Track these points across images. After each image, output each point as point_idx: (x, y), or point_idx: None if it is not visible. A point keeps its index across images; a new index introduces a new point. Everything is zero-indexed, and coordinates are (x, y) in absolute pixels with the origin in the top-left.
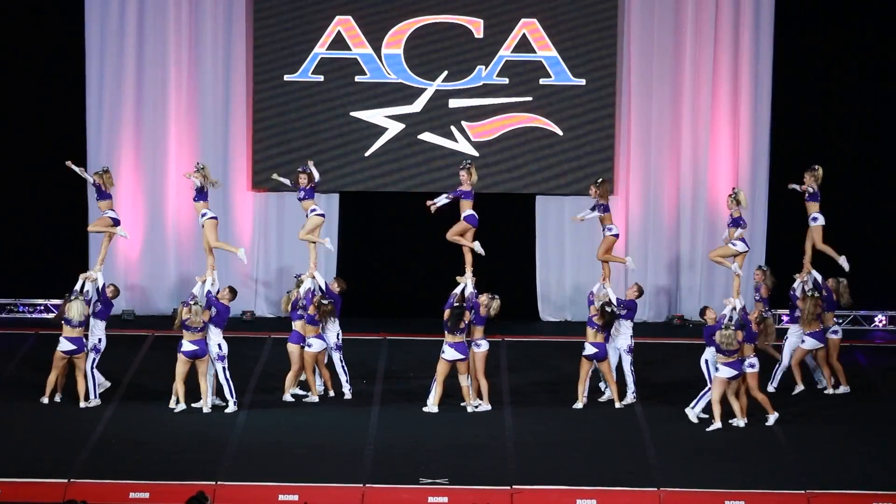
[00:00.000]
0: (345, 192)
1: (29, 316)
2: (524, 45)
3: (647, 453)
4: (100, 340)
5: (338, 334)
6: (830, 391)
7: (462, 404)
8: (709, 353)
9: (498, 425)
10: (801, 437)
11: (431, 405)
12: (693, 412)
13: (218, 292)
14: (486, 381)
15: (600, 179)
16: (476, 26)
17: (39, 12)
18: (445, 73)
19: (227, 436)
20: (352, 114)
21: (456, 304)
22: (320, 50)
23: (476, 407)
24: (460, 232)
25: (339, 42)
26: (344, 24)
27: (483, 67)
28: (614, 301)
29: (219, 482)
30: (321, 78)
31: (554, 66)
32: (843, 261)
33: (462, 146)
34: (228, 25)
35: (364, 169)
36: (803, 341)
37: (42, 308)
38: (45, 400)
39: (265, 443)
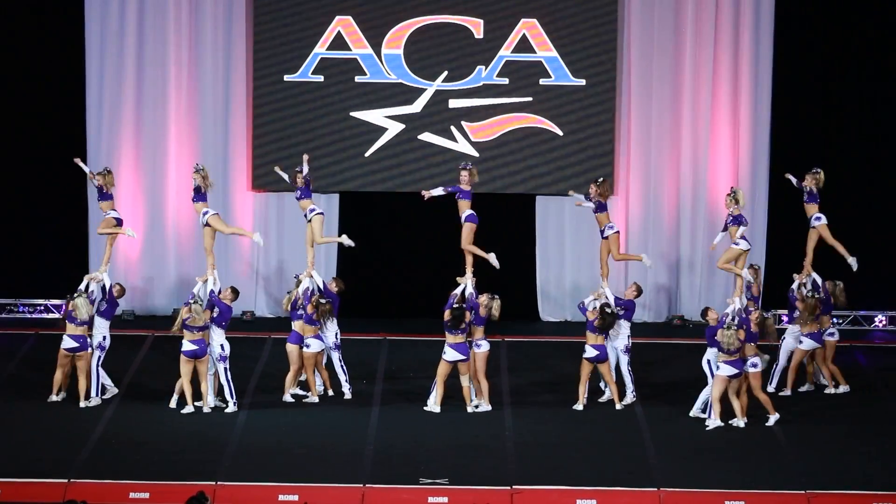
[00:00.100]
0: (345, 192)
1: (29, 316)
2: (524, 45)
3: (647, 453)
4: (104, 338)
5: (336, 334)
6: (832, 391)
7: (471, 407)
8: (710, 354)
9: (498, 425)
10: (801, 437)
11: (433, 405)
12: (695, 410)
13: (220, 292)
14: (487, 382)
15: (601, 179)
16: (476, 26)
17: (39, 12)
18: (445, 73)
19: (227, 436)
20: (352, 114)
21: (456, 305)
22: (320, 50)
23: (476, 407)
24: (471, 238)
25: (339, 42)
26: (344, 24)
27: (483, 67)
28: (612, 301)
29: (219, 482)
30: (321, 78)
31: (554, 66)
32: (852, 261)
33: (462, 146)
34: (228, 25)
35: (364, 169)
36: (801, 342)
37: (42, 308)
38: (55, 398)
39: (265, 443)
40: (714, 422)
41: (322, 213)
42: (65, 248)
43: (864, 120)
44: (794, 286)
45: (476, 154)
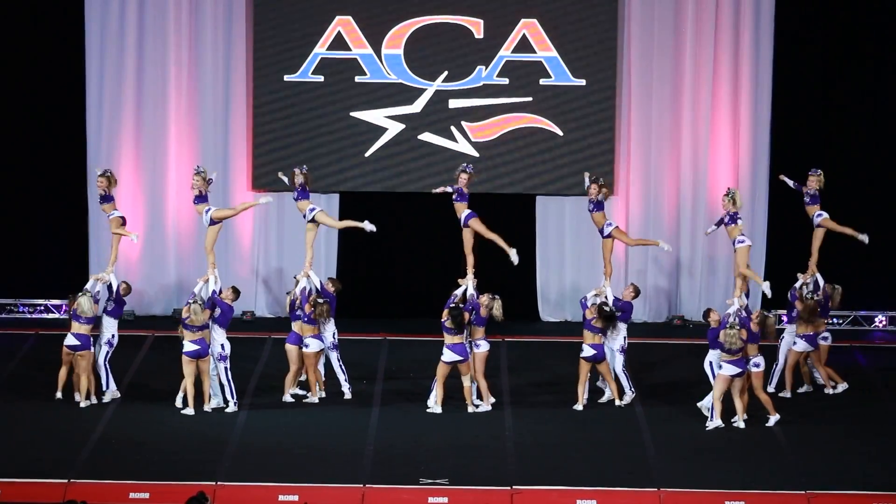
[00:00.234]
0: (345, 192)
1: (29, 316)
2: (524, 45)
3: (647, 453)
4: (113, 336)
5: (334, 334)
6: (831, 391)
7: (477, 407)
8: (712, 356)
9: (498, 426)
10: (801, 437)
11: (434, 405)
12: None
13: (221, 291)
14: (485, 382)
15: (601, 179)
16: (476, 26)
17: (39, 12)
18: (445, 73)
19: (227, 436)
20: (352, 114)
21: (453, 305)
22: (320, 50)
23: (476, 407)
24: (472, 242)
25: (339, 42)
26: (344, 25)
27: (483, 68)
28: (611, 300)
29: (219, 482)
30: (321, 78)
31: (554, 66)
32: (864, 237)
33: (462, 146)
34: (228, 25)
35: (364, 169)
36: (795, 343)
37: (42, 308)
38: (60, 395)
39: (265, 443)
40: (715, 422)
41: (323, 210)
42: (65, 248)
43: (864, 120)
44: (797, 285)
45: (476, 154)
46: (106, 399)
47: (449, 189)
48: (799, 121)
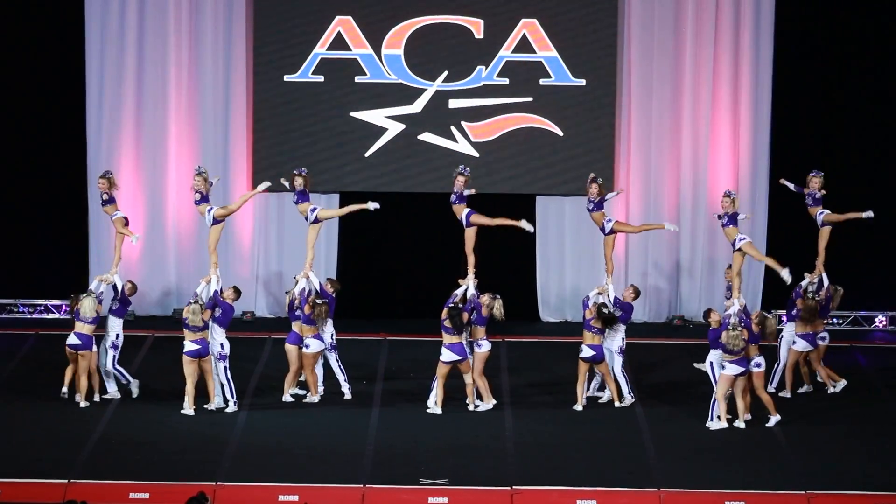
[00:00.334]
0: (345, 193)
1: (29, 316)
2: (524, 45)
3: (647, 453)
4: (117, 336)
5: (332, 335)
6: (832, 390)
7: (477, 406)
8: (714, 356)
9: (498, 426)
10: (801, 437)
11: (434, 406)
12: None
13: (222, 291)
14: (486, 382)
15: (600, 179)
16: (476, 26)
17: (39, 12)
18: (445, 73)
19: (227, 436)
20: (352, 114)
21: (452, 305)
22: (320, 50)
23: (476, 407)
24: (485, 222)
25: (339, 42)
26: (344, 25)
27: (483, 68)
28: (611, 298)
29: (219, 482)
30: (321, 78)
31: (554, 66)
32: (868, 213)
33: (462, 146)
34: (228, 25)
35: (364, 169)
36: (794, 342)
37: (42, 308)
38: (65, 390)
39: (265, 443)
40: (719, 423)
41: (323, 208)
42: (65, 248)
43: (865, 120)
44: (804, 283)
45: (476, 154)
46: (134, 394)
47: (474, 191)
48: (799, 121)
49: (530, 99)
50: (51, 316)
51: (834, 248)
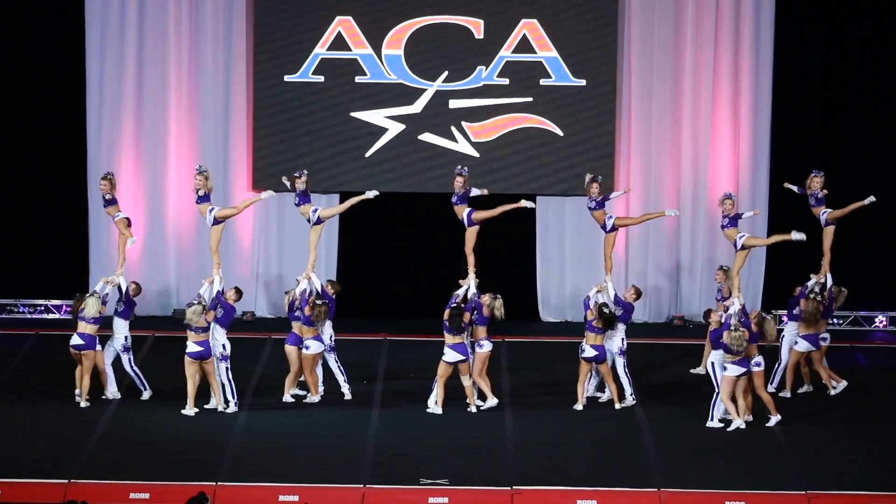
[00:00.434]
0: (345, 193)
1: (29, 316)
2: (524, 45)
3: (647, 454)
4: (126, 338)
5: (331, 336)
6: (832, 391)
7: (468, 407)
8: (715, 356)
9: (498, 426)
10: (801, 437)
11: (435, 406)
12: (714, 423)
13: (224, 292)
14: (486, 380)
15: (600, 177)
16: (476, 26)
17: (39, 12)
18: (446, 73)
19: (227, 436)
20: (352, 114)
21: (454, 305)
22: (320, 50)
23: (479, 407)
24: (488, 215)
25: (339, 42)
26: (344, 25)
27: (483, 68)
28: (612, 297)
29: (219, 482)
30: (321, 78)
31: (554, 66)
32: (869, 199)
33: (462, 147)
34: (228, 25)
35: (364, 169)
36: (796, 342)
37: (42, 308)
38: (78, 391)
39: (265, 443)
40: (738, 421)
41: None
42: (65, 248)
43: (864, 120)
44: (810, 284)
45: (476, 154)
46: (144, 397)
47: (486, 191)
48: (799, 121)
49: (530, 99)
50: (51, 316)
51: (834, 247)
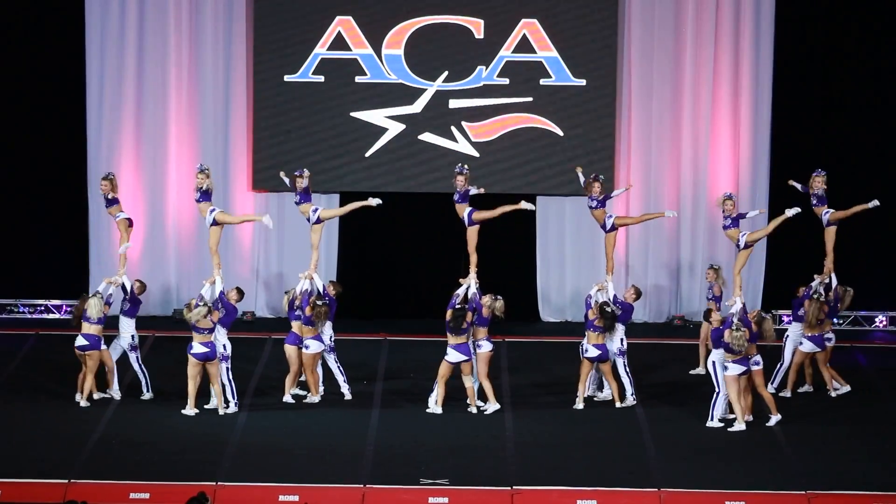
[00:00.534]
0: (345, 193)
1: (29, 316)
2: (524, 45)
3: (648, 454)
4: (133, 337)
5: (330, 337)
6: (833, 394)
7: (469, 407)
8: (716, 355)
9: (498, 426)
10: (801, 437)
11: (434, 406)
12: (714, 423)
13: (226, 293)
14: (490, 383)
15: (602, 177)
16: (476, 26)
17: (40, 13)
18: (446, 73)
19: (227, 436)
20: (352, 114)
21: (458, 305)
22: (320, 50)
23: (479, 408)
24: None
25: (339, 42)
26: (344, 25)
27: (483, 68)
28: (611, 297)
29: (219, 482)
30: (321, 78)
31: (554, 66)
32: (873, 203)
33: (462, 147)
34: (228, 25)
35: (364, 169)
36: (801, 343)
37: (42, 308)
38: (101, 393)
39: (265, 443)
40: (739, 424)
41: (325, 209)
42: (65, 248)
43: (864, 120)
44: (814, 284)
45: (476, 154)
46: (145, 397)
47: (482, 189)
48: (799, 121)
49: (530, 99)
50: (51, 316)
51: (835, 247)
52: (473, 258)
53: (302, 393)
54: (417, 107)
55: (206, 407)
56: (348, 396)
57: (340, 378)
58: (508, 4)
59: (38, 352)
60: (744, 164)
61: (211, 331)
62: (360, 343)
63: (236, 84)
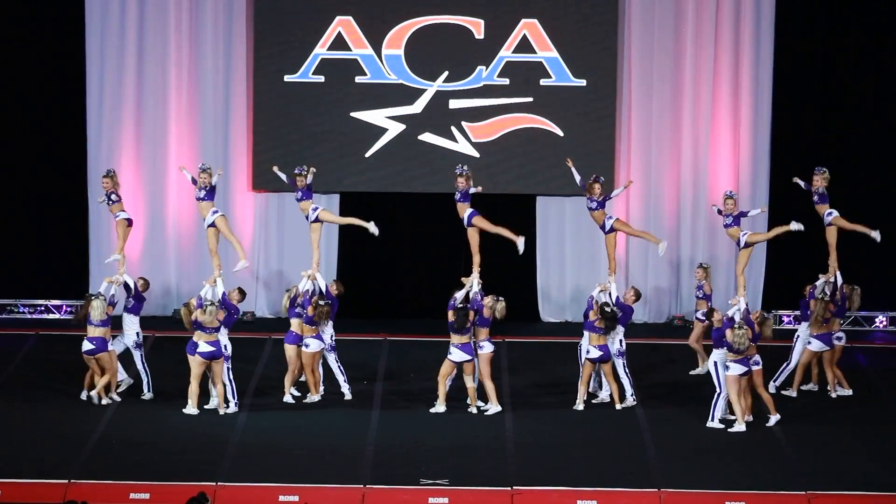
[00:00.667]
0: (345, 193)
1: (29, 316)
2: (525, 45)
3: (648, 454)
4: (138, 335)
5: (331, 336)
6: (834, 395)
7: (469, 407)
8: (717, 355)
9: (498, 426)
10: (801, 437)
11: (438, 405)
12: (714, 423)
13: (227, 293)
14: (492, 384)
15: (602, 178)
16: (476, 27)
17: (40, 13)
18: (446, 73)
19: (227, 436)
20: (352, 114)
21: (460, 305)
22: (321, 50)
23: (479, 408)
24: (486, 227)
25: (339, 42)
26: (344, 25)
27: (483, 68)
28: (613, 298)
29: (219, 483)
30: (322, 78)
31: (554, 66)
32: (876, 234)
33: (462, 147)
34: (228, 25)
35: (364, 169)
36: (809, 342)
37: (42, 308)
38: (93, 394)
39: (265, 443)
40: (739, 424)
41: (325, 209)
42: (65, 248)
43: (864, 120)
44: (819, 284)
45: (476, 154)
46: (145, 397)
47: (480, 189)
48: (799, 121)
49: (530, 99)
50: (51, 316)
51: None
52: (476, 259)
53: (298, 395)
54: (417, 107)
55: (206, 407)
56: (348, 396)
57: (341, 378)
58: (508, 4)
59: (38, 352)
60: (744, 164)
61: (217, 329)
62: (360, 343)
63: (236, 84)
